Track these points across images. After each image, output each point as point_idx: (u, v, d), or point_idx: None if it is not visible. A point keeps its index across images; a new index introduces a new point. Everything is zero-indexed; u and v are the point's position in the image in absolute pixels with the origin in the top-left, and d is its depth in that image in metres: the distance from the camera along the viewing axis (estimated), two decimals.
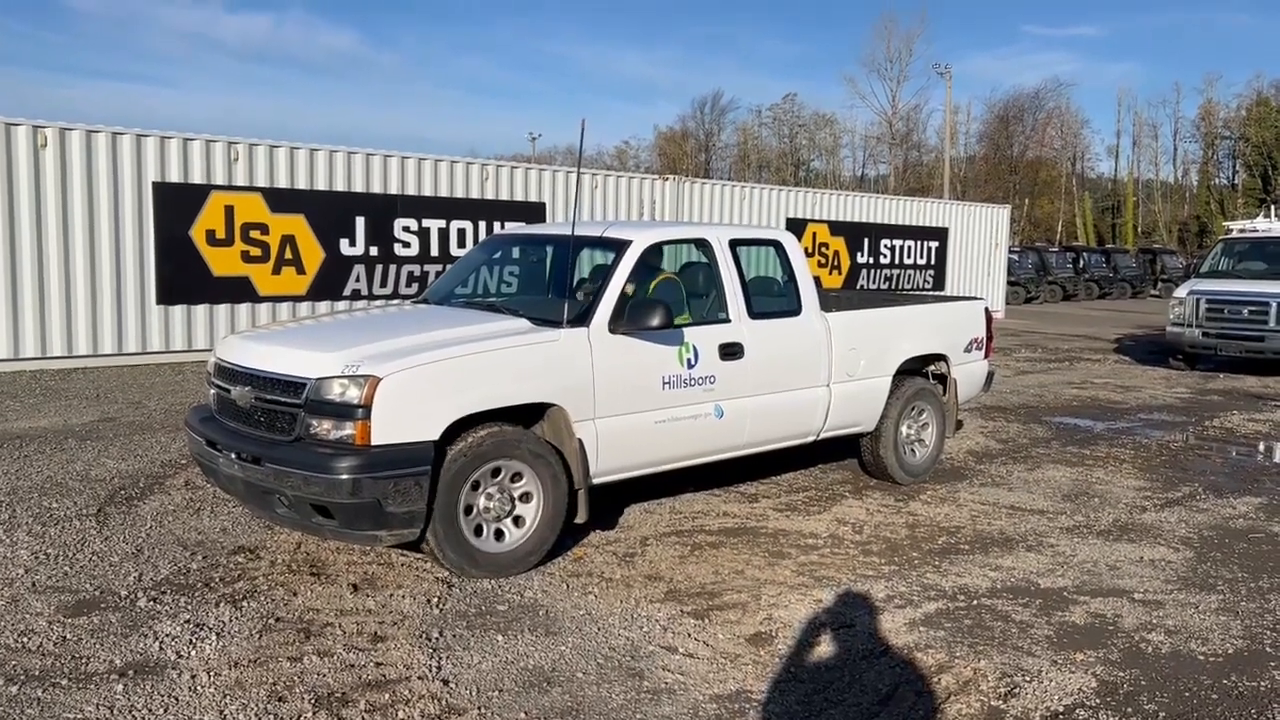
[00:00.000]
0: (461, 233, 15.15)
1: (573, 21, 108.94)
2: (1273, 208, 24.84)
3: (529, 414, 5.37)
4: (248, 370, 5.24)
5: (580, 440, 5.45)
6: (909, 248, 22.79)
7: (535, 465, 5.23)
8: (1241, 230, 17.52)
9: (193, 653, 4.16)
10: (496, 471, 5.17)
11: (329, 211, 13.82)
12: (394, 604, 4.78)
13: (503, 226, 15.54)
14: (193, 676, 3.94)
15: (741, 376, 6.23)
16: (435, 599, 4.86)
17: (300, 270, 13.65)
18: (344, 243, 14.00)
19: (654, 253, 6.21)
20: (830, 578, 5.34)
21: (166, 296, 12.57)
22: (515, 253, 7.49)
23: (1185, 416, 11.03)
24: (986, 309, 8.38)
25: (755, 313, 6.40)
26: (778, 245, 6.92)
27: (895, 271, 22.40)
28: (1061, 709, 3.91)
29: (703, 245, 6.44)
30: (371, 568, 5.27)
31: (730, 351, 6.16)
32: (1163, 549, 6.05)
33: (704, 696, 3.94)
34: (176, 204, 12.54)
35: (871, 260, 21.84)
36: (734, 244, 6.52)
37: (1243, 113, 66.28)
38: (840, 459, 8.00)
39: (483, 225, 15.36)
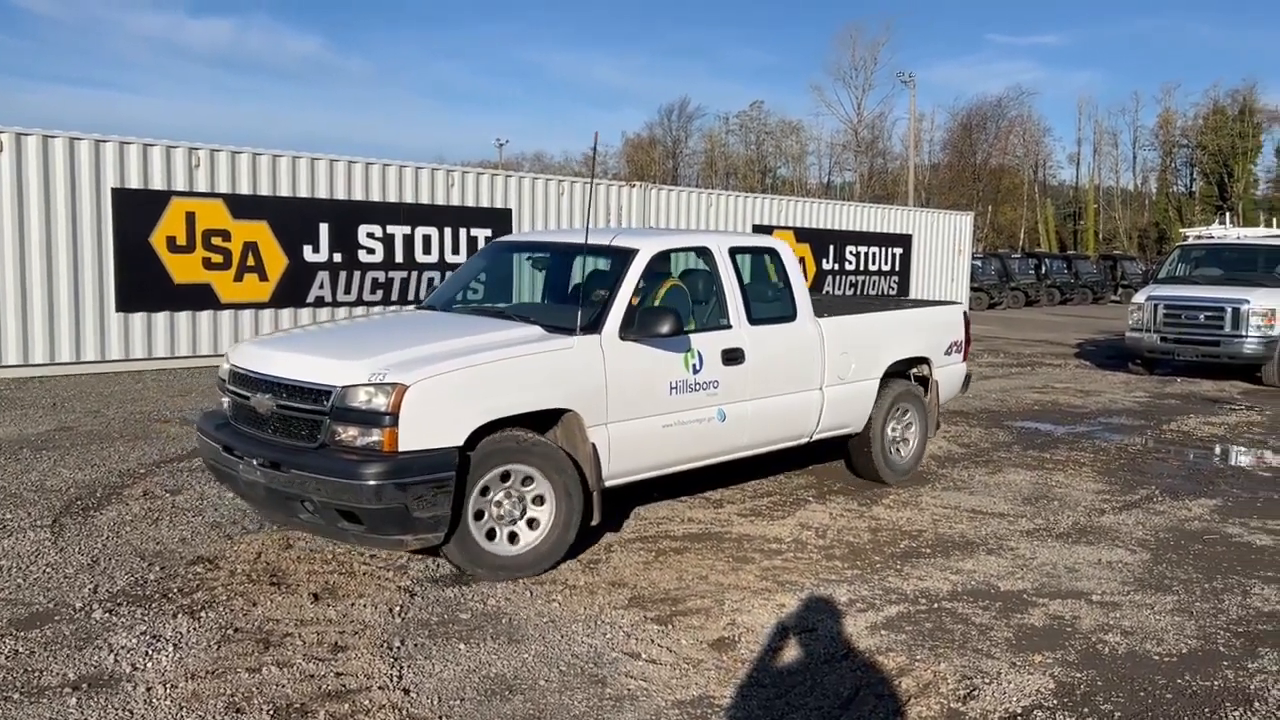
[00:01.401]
0: (427, 239, 15.08)
1: (540, 27, 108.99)
2: (1228, 215, 25.33)
3: (544, 419, 5.46)
4: (269, 378, 5.26)
5: (594, 445, 5.56)
6: (874, 254, 22.97)
7: (550, 470, 5.32)
8: (1198, 237, 17.85)
9: (149, 665, 4.11)
10: (509, 476, 5.25)
11: (292, 218, 13.71)
12: (355, 613, 4.75)
13: (469, 233, 15.53)
14: (148, 689, 3.89)
15: (742, 381, 6.38)
16: (397, 608, 4.83)
17: (263, 277, 13.52)
18: (307, 249, 13.89)
19: (661, 260, 6.30)
20: (793, 582, 5.37)
21: (126, 304, 12.40)
22: (519, 260, 7.49)
23: (1144, 420, 11.19)
24: (965, 313, 8.68)
25: (754, 319, 6.56)
26: (773, 253, 7.13)
27: (860, 278, 22.56)
28: (1019, 710, 3.95)
29: (704, 253, 6.59)
30: (333, 577, 5.23)
31: (732, 357, 6.30)
32: (1120, 551, 6.13)
33: (666, 703, 3.94)
34: (136, 210, 12.37)
35: (837, 266, 21.99)
36: (733, 251, 6.68)
37: (1199, 121, 67.46)
38: (804, 464, 8.04)
39: (448, 232, 15.31)
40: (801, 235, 21.18)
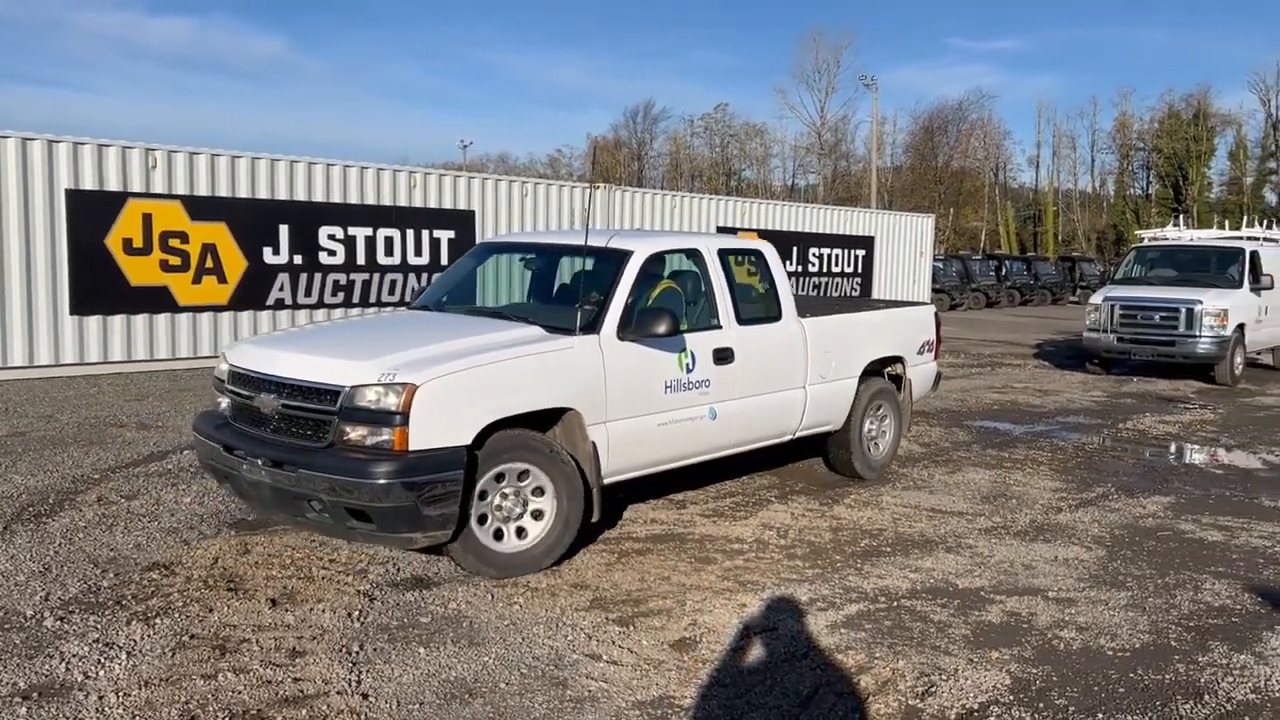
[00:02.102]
0: (389, 241, 14.98)
1: (505, 29, 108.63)
2: (1182, 217, 25.74)
3: (545, 418, 5.52)
4: (274, 378, 5.28)
5: (594, 443, 5.65)
6: (836, 256, 23.13)
7: (552, 468, 5.39)
8: (1153, 238, 18.09)
9: (101, 673, 4.04)
10: (513, 474, 5.32)
11: (251, 220, 13.55)
12: (314, 618, 4.70)
13: (431, 235, 15.45)
14: (100, 697, 3.83)
15: (731, 380, 6.52)
16: (356, 612, 4.79)
17: (222, 279, 13.36)
18: (267, 251, 13.75)
19: (654, 262, 6.41)
20: (755, 582, 5.39)
21: (81, 307, 12.20)
22: (509, 261, 7.56)
23: (1100, 419, 11.36)
24: (936, 313, 8.92)
25: (743, 319, 6.69)
26: (758, 254, 7.27)
27: (823, 279, 22.70)
28: (976, 706, 3.99)
29: (694, 255, 6.73)
30: (291, 582, 5.18)
31: (722, 356, 6.42)
32: (1076, 548, 6.21)
33: (627, 703, 3.94)
34: (91, 212, 12.17)
35: (800, 268, 22.11)
36: (722, 253, 6.81)
37: (1155, 125, 68.61)
38: (768, 466, 8.07)
39: (410, 234, 15.22)
40: (765, 237, 21.12)
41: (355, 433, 4.94)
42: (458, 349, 5.31)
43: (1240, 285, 14.98)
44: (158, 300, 12.82)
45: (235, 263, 13.46)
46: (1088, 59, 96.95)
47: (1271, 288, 15.24)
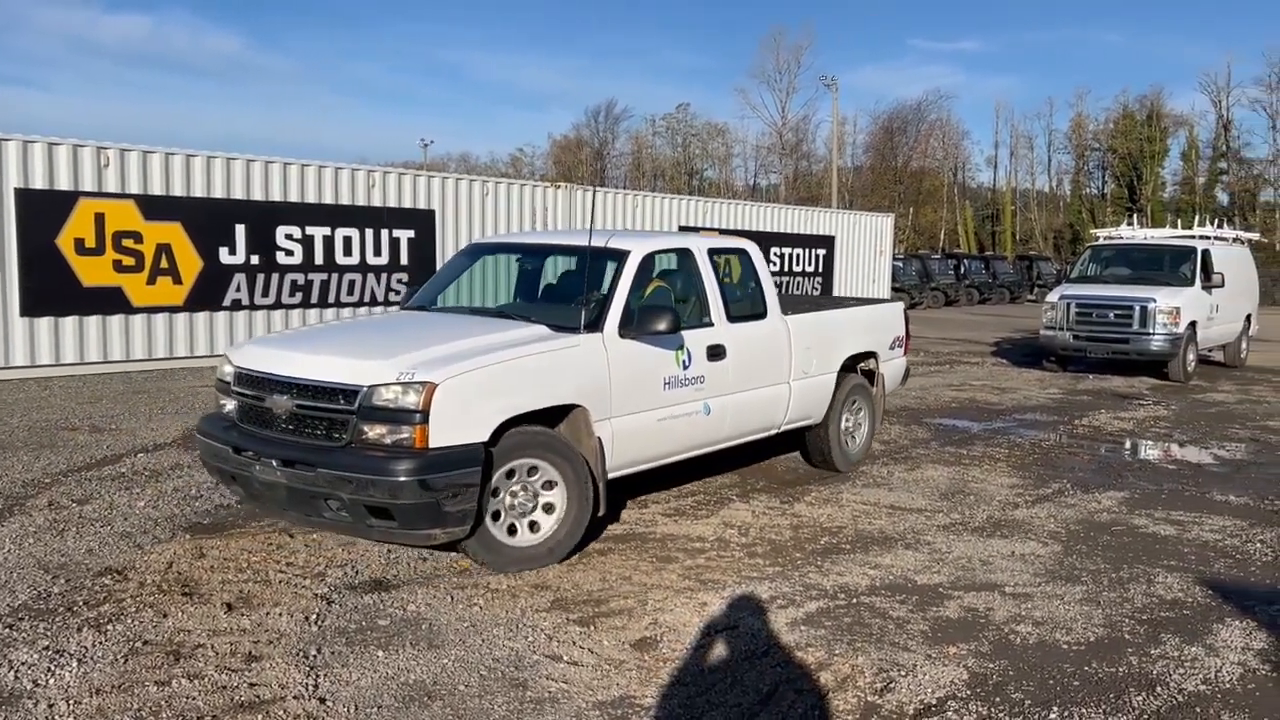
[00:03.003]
0: (348, 240, 14.85)
1: (466, 28, 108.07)
2: (1136, 216, 26.14)
3: (553, 415, 5.62)
4: (287, 379, 5.31)
5: (599, 438, 5.77)
6: (798, 255, 23.25)
7: (562, 464, 5.50)
8: (1108, 237, 18.36)
9: (51, 681, 3.96)
10: (527, 470, 5.43)
11: (207, 219, 13.38)
12: (270, 622, 4.65)
13: (390, 234, 15.33)
14: (50, 705, 3.75)
15: (724, 376, 6.69)
16: (314, 616, 4.74)
17: (177, 280, 13.17)
18: (223, 251, 13.57)
19: (650, 261, 6.55)
20: (716, 581, 5.40)
21: (31, 308, 11.97)
22: (503, 261, 7.61)
23: (1057, 416, 11.51)
24: (905, 310, 9.25)
25: (732, 317, 6.88)
26: (743, 253, 7.44)
27: (784, 279, 22.80)
28: (934, 701, 4.03)
29: (686, 254, 6.89)
30: (248, 586, 5.11)
31: (715, 353, 6.60)
32: (1033, 544, 6.29)
33: (587, 704, 3.93)
34: (41, 212, 11.95)
35: None
36: (711, 252, 7.00)
37: (1110, 126, 69.57)
38: (731, 465, 8.09)
39: (369, 233, 15.09)
40: (725, 236, 21.32)
41: (374, 431, 5.01)
42: (470, 348, 5.40)
43: (1192, 283, 15.24)
44: (111, 301, 12.61)
45: (191, 263, 13.28)
46: (1045, 60, 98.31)
47: (1222, 286, 15.52)
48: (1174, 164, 68.30)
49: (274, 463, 5.18)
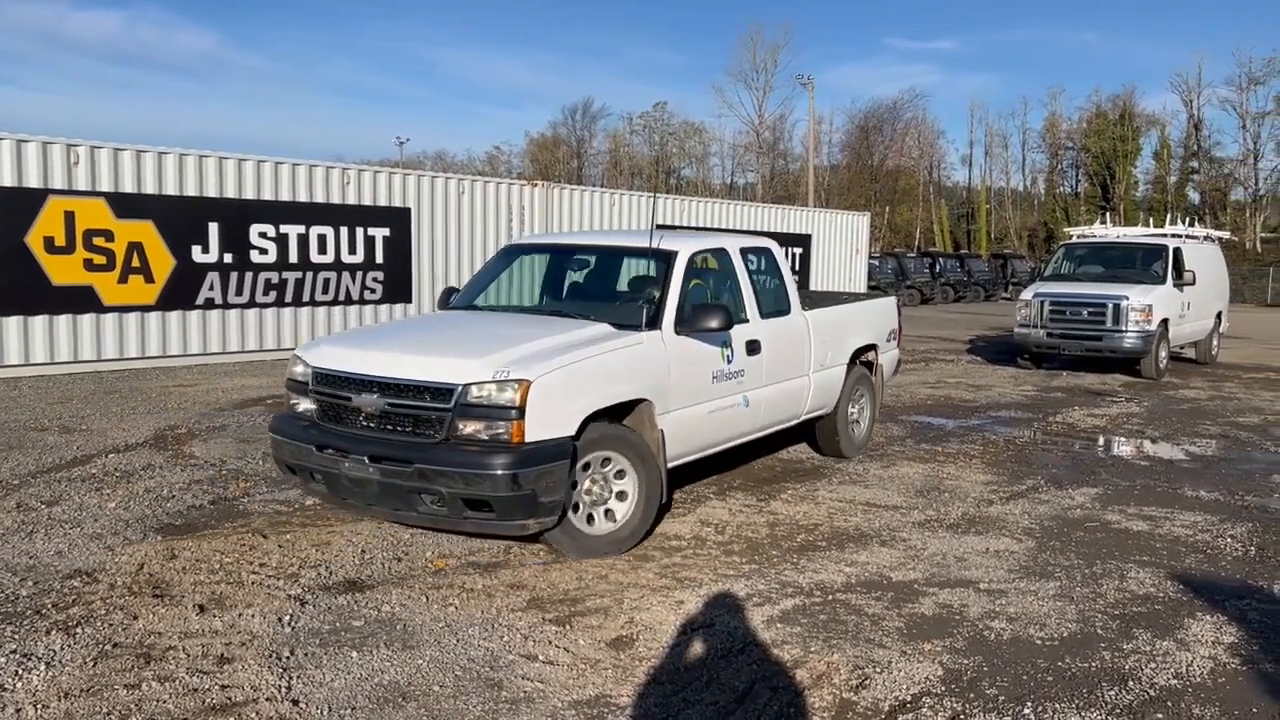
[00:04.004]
0: (322, 239, 14.74)
1: (442, 25, 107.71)
2: (1109, 215, 26.37)
3: (622, 409, 5.86)
4: (377, 378, 5.47)
5: (661, 431, 6.04)
6: None
7: (634, 455, 5.77)
8: (1081, 236, 18.50)
9: (18, 685, 3.91)
10: (601, 461, 5.67)
11: (180, 217, 13.24)
12: (243, 624, 4.60)
13: (366, 232, 15.23)
14: (17, 710, 3.70)
15: (759, 370, 7.03)
16: (287, 617, 4.70)
17: (149, 279, 13.03)
18: (196, 250, 13.44)
19: (694, 261, 6.79)
20: (692, 579, 5.40)
21: (0, 307, 11.81)
22: (547, 262, 7.73)
23: (1031, 413, 11.59)
24: (898, 304, 9.82)
25: (764, 313, 7.21)
26: (767, 251, 7.75)
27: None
28: (909, 698, 4.04)
29: (722, 253, 7.17)
30: (220, 587, 5.06)
31: (753, 348, 6.93)
32: (1007, 540, 6.33)
33: (563, 703, 3.92)
34: (9, 210, 11.78)
35: None
36: (743, 251, 7.33)
37: (1083, 125, 70.18)
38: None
39: (344, 231, 14.99)
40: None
41: (470, 428, 5.20)
42: (551, 346, 5.60)
43: (1164, 281, 15.38)
44: (82, 300, 12.46)
45: (163, 262, 13.14)
46: (1019, 60, 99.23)
47: (1194, 284, 15.67)
48: (1146, 163, 69.06)
49: (365, 460, 5.32)
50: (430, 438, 5.27)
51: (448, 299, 7.42)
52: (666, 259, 6.61)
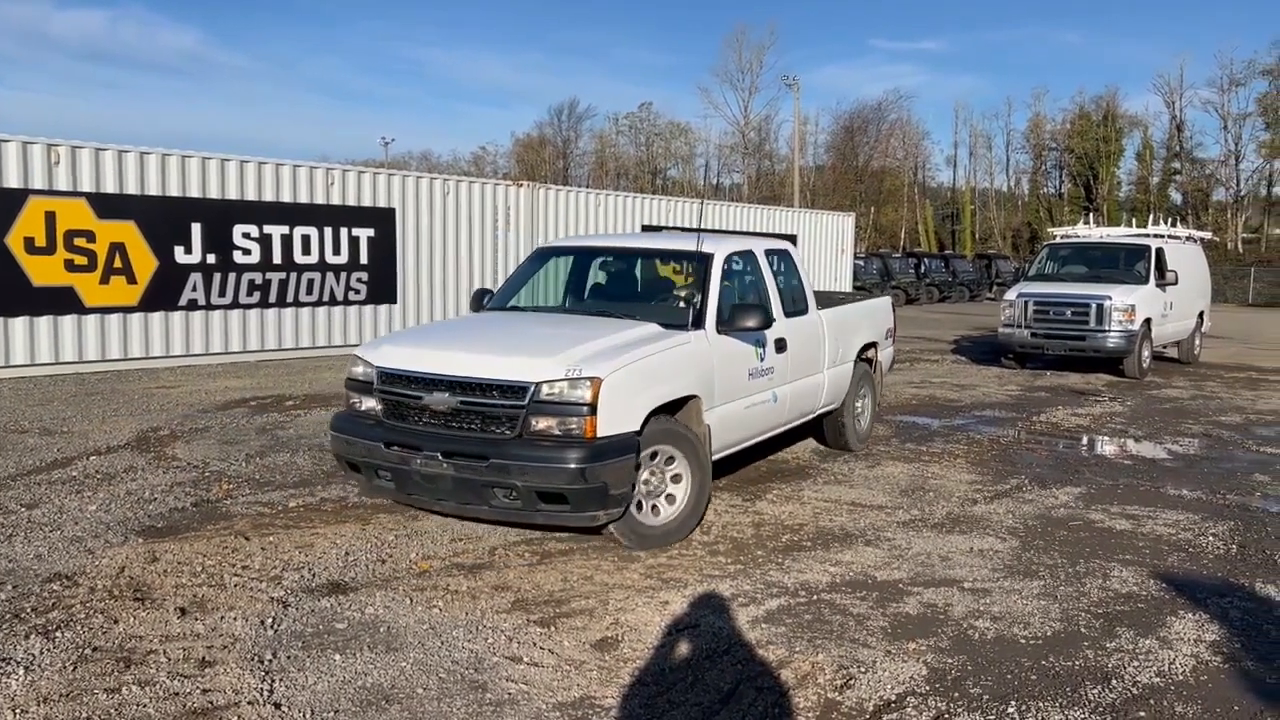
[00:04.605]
0: (306, 239, 14.67)
1: (427, 25, 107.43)
2: (1092, 215, 26.50)
3: (675, 405, 6.08)
4: (451, 377, 5.62)
5: (708, 425, 6.30)
6: None
7: (687, 448, 6.02)
8: (1064, 236, 18.58)
9: None
10: (657, 455, 5.88)
11: (162, 218, 13.16)
12: (225, 627, 4.57)
13: (350, 233, 15.17)
14: None
15: (785, 367, 7.35)
16: (270, 620, 4.66)
17: (131, 280, 12.94)
18: (179, 250, 13.36)
19: (728, 262, 7.06)
20: (678, 579, 5.39)
21: None
22: (581, 264, 7.92)
23: (1015, 413, 11.63)
24: (893, 303, 10.30)
25: (787, 312, 7.49)
26: (785, 254, 8.11)
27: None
28: (894, 697, 4.04)
29: (750, 255, 7.44)
30: (202, 590, 5.03)
31: (780, 346, 7.23)
32: (991, 539, 6.34)
33: (547, 705, 3.91)
34: None
35: None
36: (768, 253, 7.67)
37: (1067, 126, 70.53)
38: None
39: (328, 232, 14.93)
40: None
41: (543, 424, 5.40)
42: (611, 345, 5.80)
43: (1146, 281, 15.46)
44: (63, 301, 12.37)
45: (145, 262, 13.06)
46: (1003, 61, 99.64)
47: (1176, 284, 15.76)
48: (1129, 164, 69.50)
49: (438, 456, 5.47)
50: (504, 434, 5.46)
51: (481, 300, 7.56)
52: (705, 261, 6.87)
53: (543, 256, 7.93)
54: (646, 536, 5.86)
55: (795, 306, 7.70)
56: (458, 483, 5.49)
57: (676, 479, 6.01)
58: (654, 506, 5.95)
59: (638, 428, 5.61)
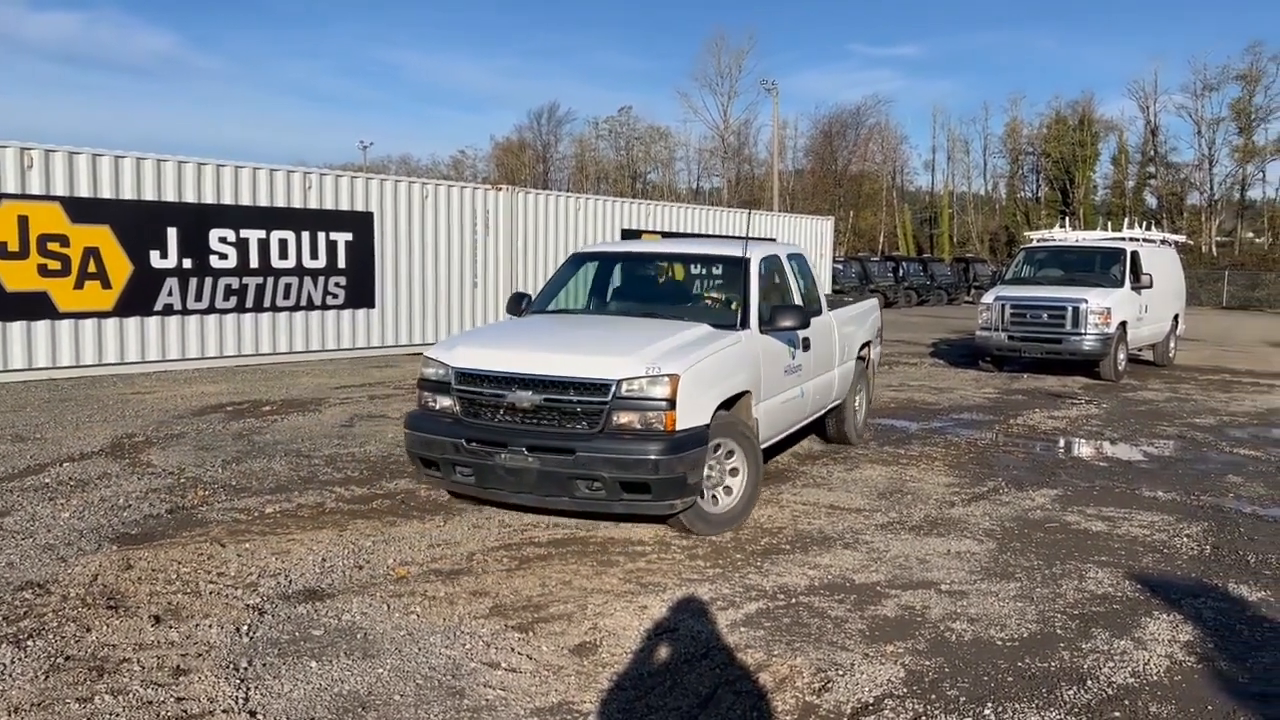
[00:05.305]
0: (284, 244, 14.58)
1: (405, 27, 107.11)
2: (1068, 219, 26.71)
3: (731, 400, 6.43)
4: (534, 376, 5.93)
5: (756, 419, 6.74)
6: None
7: (743, 440, 6.42)
8: (1041, 240, 18.70)
9: None
10: (718, 447, 6.22)
11: (137, 222, 13.04)
12: (200, 634, 4.53)
13: (328, 237, 15.09)
14: None
15: (810, 364, 7.83)
16: (245, 627, 4.63)
17: (106, 284, 12.82)
18: (154, 255, 13.24)
19: (762, 266, 7.44)
20: (657, 584, 5.38)
21: None
22: (617, 269, 8.29)
23: (992, 415, 11.70)
24: (880, 304, 10.97)
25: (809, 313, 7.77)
26: (801, 257, 8.57)
27: None
28: (871, 700, 4.05)
29: (775, 259, 7.85)
30: (176, 597, 4.98)
31: (806, 344, 7.67)
32: (968, 541, 6.37)
33: (525, 711, 3.89)
34: None
35: None
36: (789, 257, 8.16)
37: (1043, 131, 71.05)
38: None
39: (306, 236, 14.84)
40: (669, 238, 21.37)
41: (625, 418, 5.75)
42: (678, 344, 6.17)
43: (1122, 284, 15.59)
44: (36, 306, 12.23)
45: (120, 267, 12.94)
46: (981, 65, 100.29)
47: (1151, 287, 15.90)
48: (1105, 168, 70.10)
49: (524, 450, 5.78)
50: (587, 428, 5.77)
51: (520, 304, 7.73)
52: (743, 265, 7.27)
53: (578, 262, 8.21)
54: (713, 523, 6.25)
55: (812, 307, 8.02)
56: (542, 476, 5.79)
57: (734, 471, 6.37)
58: (713, 496, 6.30)
59: (708, 421, 5.99)
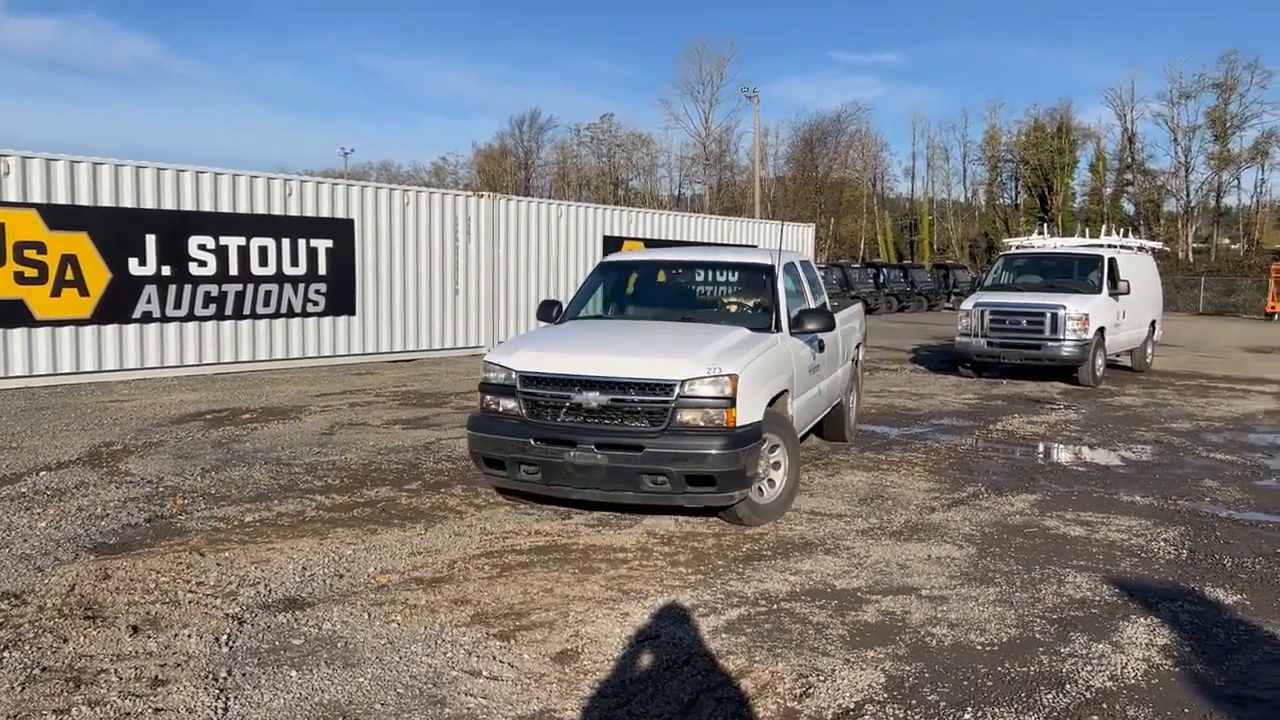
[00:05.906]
0: (263, 251, 14.53)
1: (385, 34, 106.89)
2: (1047, 225, 26.90)
3: (774, 397, 6.82)
4: (599, 378, 6.24)
5: (791, 415, 7.18)
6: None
7: (785, 435, 6.84)
8: (1020, 246, 18.83)
9: None
10: (764, 442, 6.51)
11: (116, 229, 12.97)
12: (179, 644, 4.50)
13: (308, 244, 15.03)
14: None
15: (823, 364, 8.30)
16: (225, 636, 4.60)
17: (84, 292, 12.74)
18: (133, 262, 13.17)
19: (784, 272, 7.88)
20: (638, 591, 5.39)
21: None
22: (644, 276, 8.71)
23: (972, 421, 11.76)
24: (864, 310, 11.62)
25: None
26: (808, 263, 9.05)
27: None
28: (852, 705, 4.07)
29: (791, 265, 8.27)
30: (155, 607, 4.95)
31: (821, 345, 8.12)
32: (948, 547, 6.41)
33: (507, 718, 3.89)
34: None
35: None
36: (801, 263, 8.66)
37: (1022, 138, 71.61)
38: None
39: (286, 243, 14.78)
40: (652, 247, 21.41)
41: (689, 416, 6.12)
42: (728, 346, 6.54)
43: (1100, 290, 15.71)
44: (12, 314, 12.15)
45: (98, 274, 12.86)
46: (960, 73, 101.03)
47: (1128, 293, 16.03)
48: (1083, 175, 70.66)
49: (593, 448, 6.10)
50: (653, 426, 6.12)
51: (551, 311, 7.91)
52: (769, 272, 7.76)
53: (606, 270, 8.56)
54: (763, 512, 6.64)
55: (830, 311, 8.38)
56: (611, 472, 6.11)
57: (777, 465, 6.75)
58: (759, 489, 6.63)
59: (761, 417, 6.39)
